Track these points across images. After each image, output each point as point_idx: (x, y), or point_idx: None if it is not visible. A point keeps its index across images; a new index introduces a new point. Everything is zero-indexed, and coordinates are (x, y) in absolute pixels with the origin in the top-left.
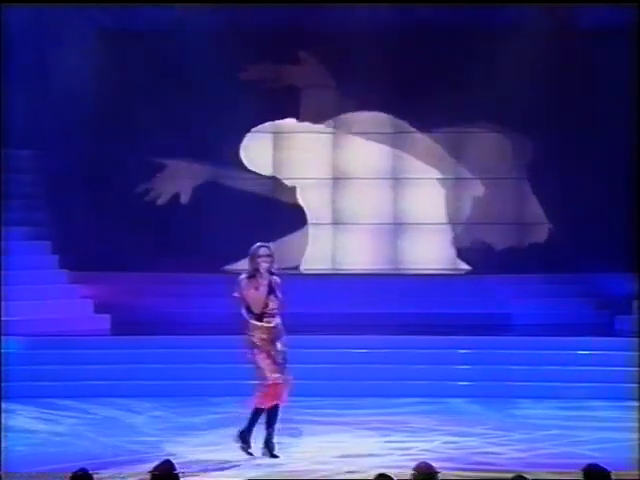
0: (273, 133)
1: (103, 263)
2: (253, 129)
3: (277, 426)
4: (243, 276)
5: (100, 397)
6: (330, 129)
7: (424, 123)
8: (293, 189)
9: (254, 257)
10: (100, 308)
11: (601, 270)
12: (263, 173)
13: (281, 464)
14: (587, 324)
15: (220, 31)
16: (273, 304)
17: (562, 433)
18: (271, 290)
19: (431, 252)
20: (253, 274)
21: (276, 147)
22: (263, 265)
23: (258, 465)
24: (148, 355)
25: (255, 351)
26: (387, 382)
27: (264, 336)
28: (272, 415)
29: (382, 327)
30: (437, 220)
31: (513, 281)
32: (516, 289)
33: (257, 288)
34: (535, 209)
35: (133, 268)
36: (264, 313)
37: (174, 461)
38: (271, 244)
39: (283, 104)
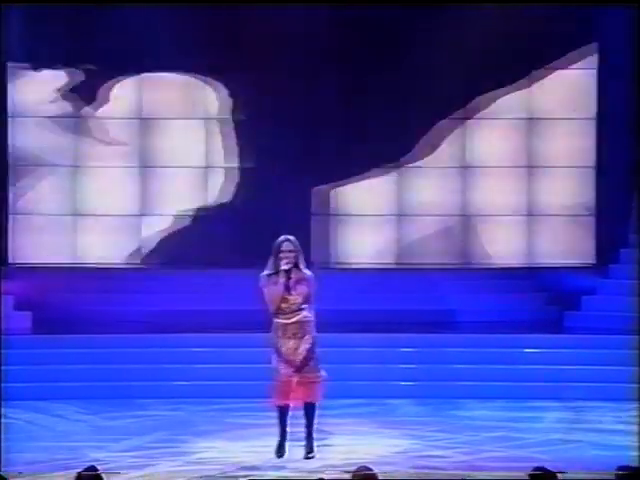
0: (204, 119)
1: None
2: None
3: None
4: (265, 273)
5: (20, 400)
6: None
7: (368, 106)
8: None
9: (276, 252)
10: (20, 305)
11: (550, 264)
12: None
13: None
14: (535, 321)
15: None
16: (290, 301)
17: (509, 435)
18: (289, 286)
19: (370, 245)
20: (275, 271)
21: (208, 134)
22: (284, 261)
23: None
24: (71, 355)
25: (272, 349)
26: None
27: (279, 333)
28: (305, 414)
29: (319, 325)
30: (376, 211)
31: (458, 276)
32: (461, 284)
33: (275, 283)
34: (480, 200)
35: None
36: (281, 310)
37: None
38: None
39: (213, 90)
